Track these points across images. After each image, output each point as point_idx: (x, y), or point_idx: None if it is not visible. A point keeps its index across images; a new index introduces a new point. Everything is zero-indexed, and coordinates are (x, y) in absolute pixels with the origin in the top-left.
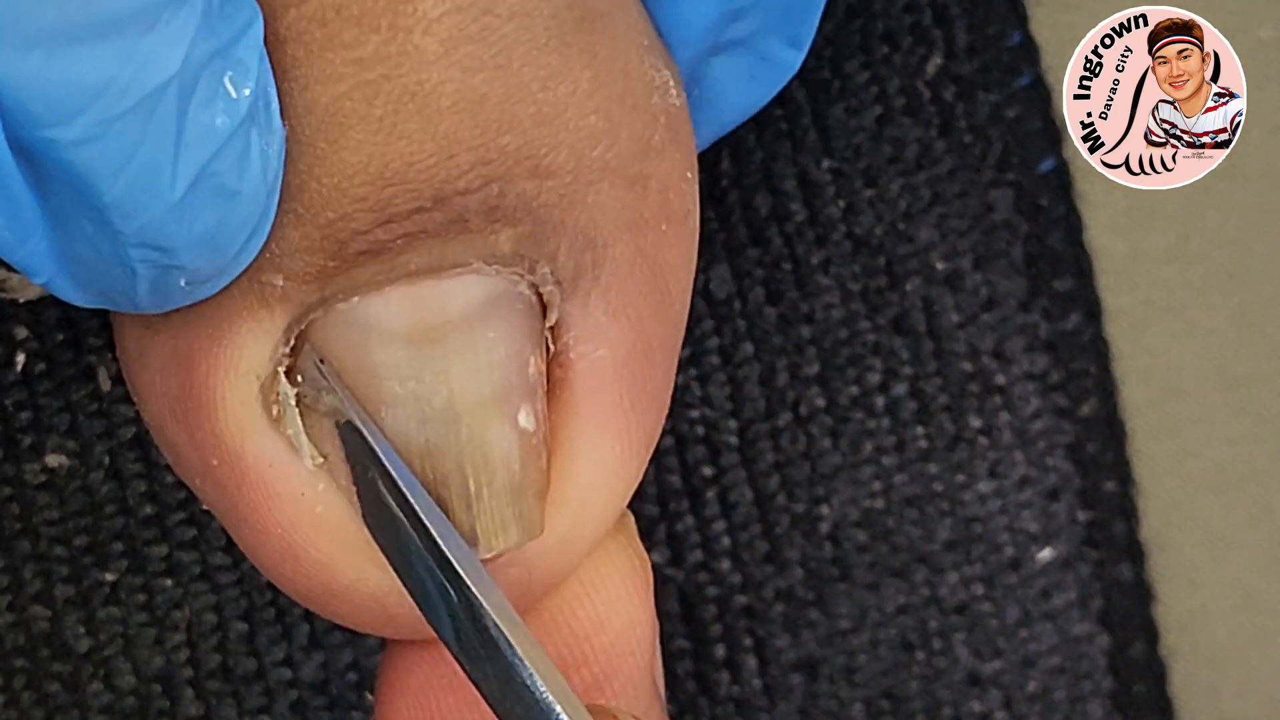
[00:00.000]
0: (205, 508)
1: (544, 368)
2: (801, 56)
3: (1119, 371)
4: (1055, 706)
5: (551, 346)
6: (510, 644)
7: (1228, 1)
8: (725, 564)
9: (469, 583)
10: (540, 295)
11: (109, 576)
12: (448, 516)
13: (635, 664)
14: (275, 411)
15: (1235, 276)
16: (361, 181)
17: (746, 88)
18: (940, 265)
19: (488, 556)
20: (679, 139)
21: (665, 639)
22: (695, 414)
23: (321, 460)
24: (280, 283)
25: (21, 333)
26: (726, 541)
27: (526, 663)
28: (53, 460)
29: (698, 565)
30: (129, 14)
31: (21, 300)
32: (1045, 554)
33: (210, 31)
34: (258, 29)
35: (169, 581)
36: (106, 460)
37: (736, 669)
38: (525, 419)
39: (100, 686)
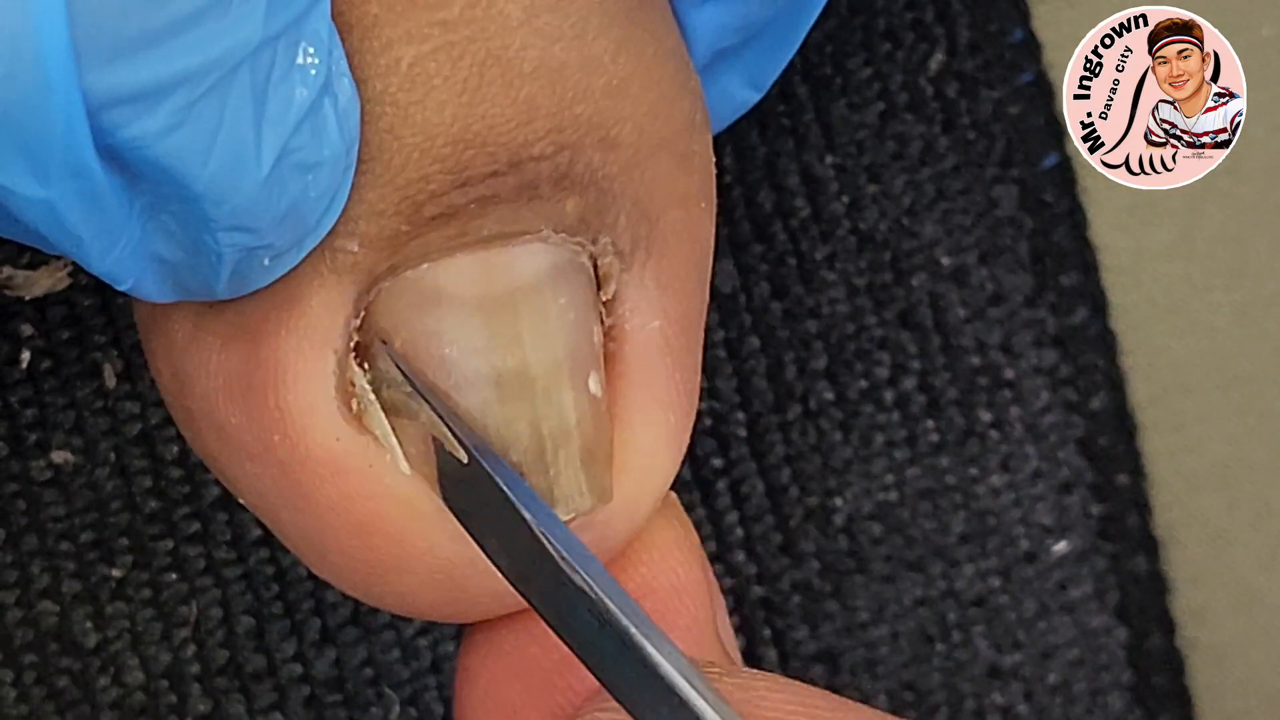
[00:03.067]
0: (240, 501)
1: (603, 339)
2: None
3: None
4: (1076, 699)
5: (606, 320)
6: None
7: (1228, 1)
8: (740, 555)
9: (558, 545)
10: (596, 267)
11: (116, 572)
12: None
13: (689, 624)
14: (346, 388)
15: (1237, 274)
16: (444, 142)
17: None
18: (945, 261)
19: (562, 520)
20: (708, 120)
21: None
22: (702, 405)
23: (392, 435)
24: (355, 249)
25: (27, 330)
26: (740, 533)
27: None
28: (58, 457)
29: (712, 556)
30: (203, 5)
31: (27, 298)
32: (1060, 547)
33: (281, 7)
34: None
35: (175, 576)
36: (112, 456)
37: (757, 661)
38: (594, 385)
39: (109, 682)
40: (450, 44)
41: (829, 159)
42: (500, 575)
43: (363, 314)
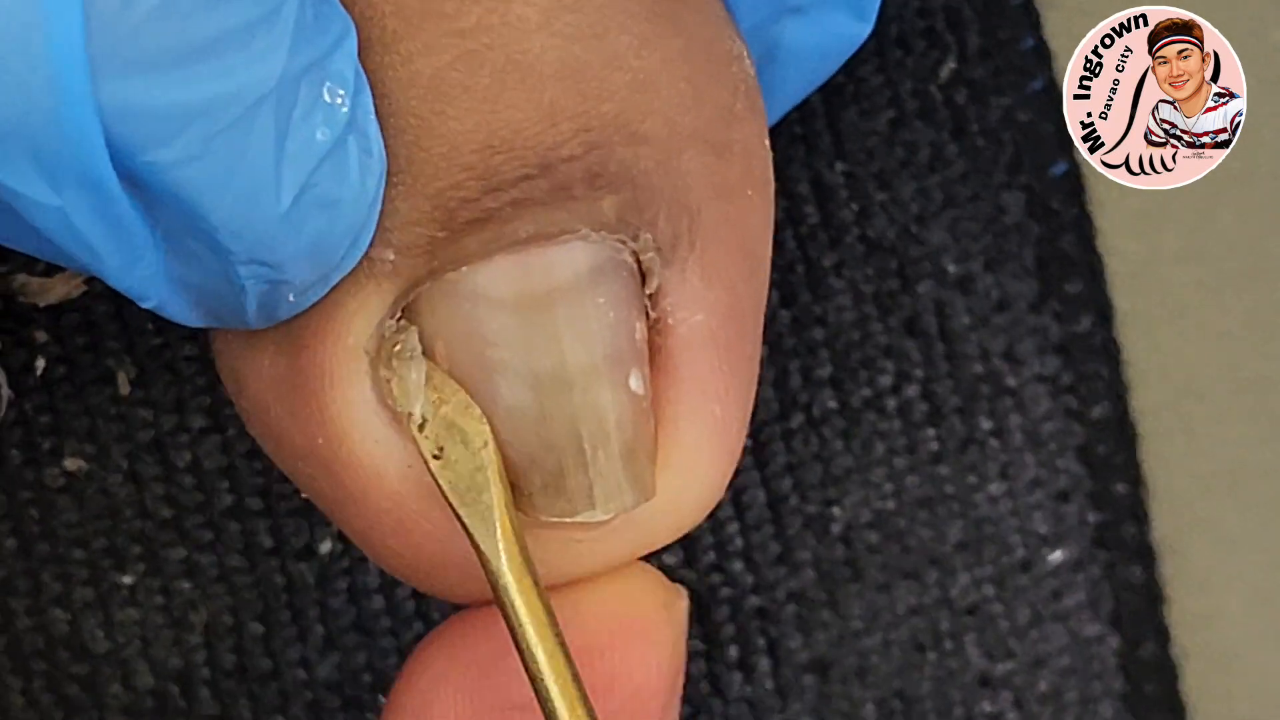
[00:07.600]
0: (305, 497)
1: (646, 335)
2: (868, 28)
3: (1131, 374)
4: (1067, 707)
5: (651, 314)
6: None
7: (1228, 1)
8: (738, 565)
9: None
10: (640, 263)
11: (127, 579)
12: (563, 481)
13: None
14: (384, 387)
15: (1247, 278)
16: (470, 150)
17: (813, 61)
18: (952, 268)
19: (604, 519)
20: (756, 108)
21: None
22: None
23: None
24: (391, 257)
25: (41, 337)
26: (739, 543)
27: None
28: (71, 464)
29: (711, 566)
30: (224, 33)
31: (41, 305)
32: (1056, 555)
33: (305, 44)
34: (351, 41)
35: (186, 584)
36: (125, 464)
37: (749, 670)
38: (635, 383)
39: (119, 688)
40: (469, 53)
41: (839, 166)
42: None
43: (399, 313)
